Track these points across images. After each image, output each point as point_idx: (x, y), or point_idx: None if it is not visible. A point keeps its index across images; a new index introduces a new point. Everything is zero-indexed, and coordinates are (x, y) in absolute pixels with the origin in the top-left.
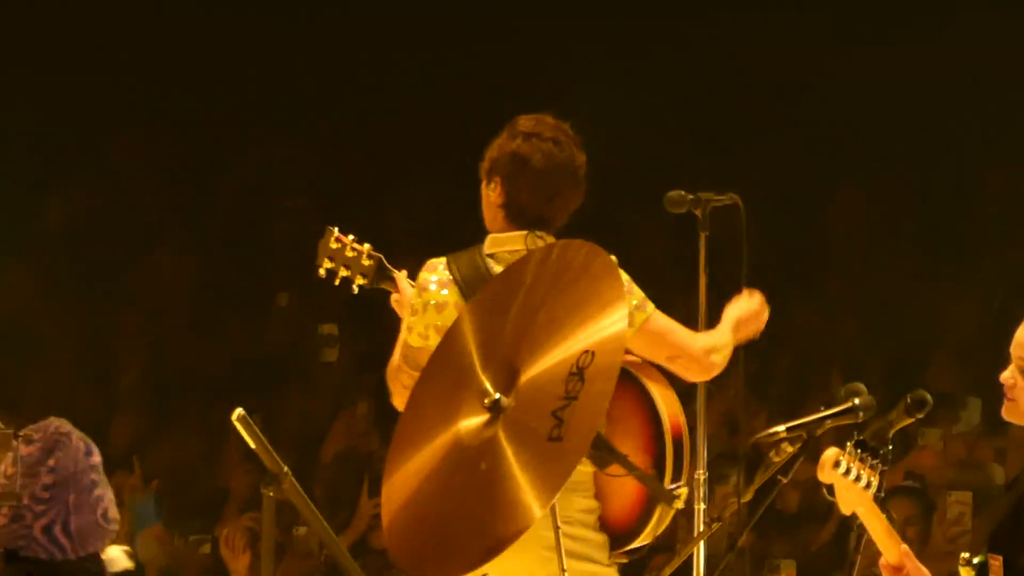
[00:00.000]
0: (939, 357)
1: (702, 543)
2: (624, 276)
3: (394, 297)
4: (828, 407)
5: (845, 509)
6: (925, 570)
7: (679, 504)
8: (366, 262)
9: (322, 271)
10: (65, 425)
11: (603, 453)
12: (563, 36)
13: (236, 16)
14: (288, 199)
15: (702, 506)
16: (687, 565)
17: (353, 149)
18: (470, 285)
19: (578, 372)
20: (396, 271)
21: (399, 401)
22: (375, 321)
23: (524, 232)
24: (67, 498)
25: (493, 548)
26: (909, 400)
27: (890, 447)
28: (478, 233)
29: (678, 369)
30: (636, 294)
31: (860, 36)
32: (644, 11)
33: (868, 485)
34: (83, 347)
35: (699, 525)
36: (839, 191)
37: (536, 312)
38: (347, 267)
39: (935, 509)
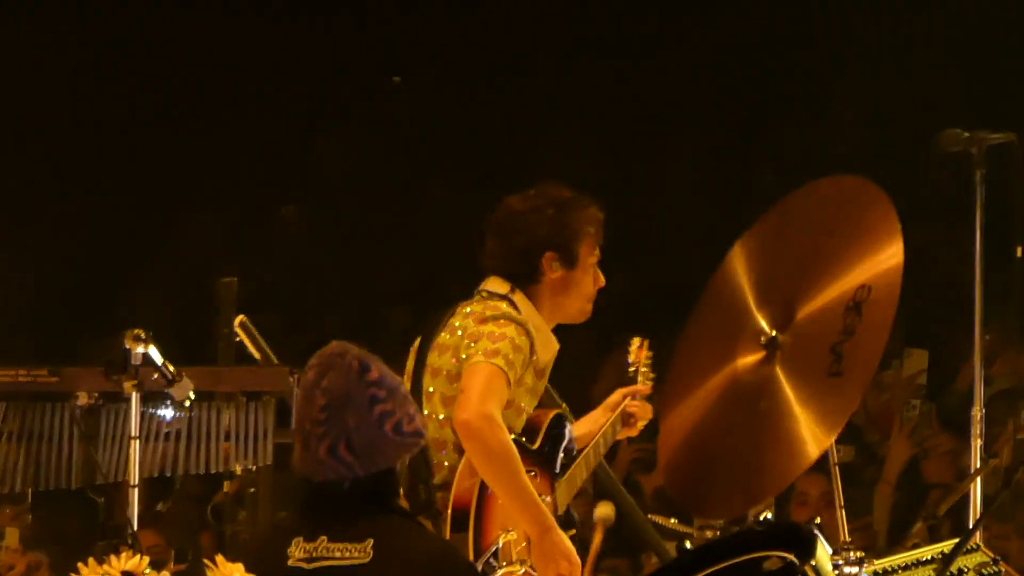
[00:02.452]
0: None
1: (979, 479)
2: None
3: None
4: None
5: None
6: None
7: None
8: None
9: None
10: (342, 346)
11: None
12: None
13: None
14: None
15: (979, 442)
16: (963, 501)
17: None
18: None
19: (855, 306)
20: None
21: None
22: None
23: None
24: (345, 417)
25: (775, 485)
26: None
27: None
28: None
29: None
30: (483, 344)
31: None
32: None
33: None
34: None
35: (976, 461)
36: None
37: (809, 249)
38: None
39: None
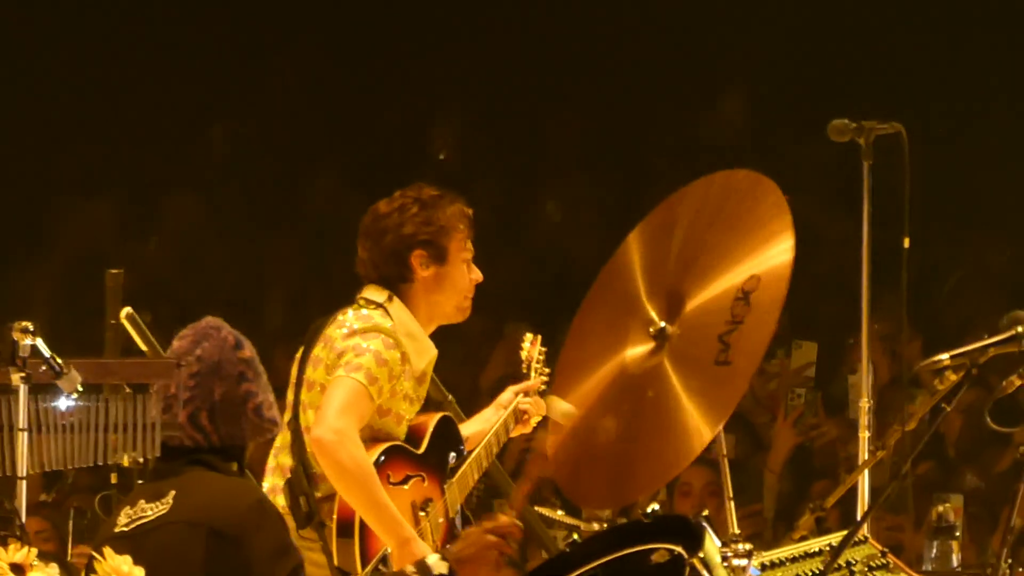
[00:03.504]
0: None
1: (866, 472)
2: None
3: None
4: (991, 335)
5: None
6: None
7: None
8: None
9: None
10: (218, 321)
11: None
12: None
13: None
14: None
15: (866, 435)
16: (851, 494)
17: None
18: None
19: (744, 296)
20: None
21: None
22: None
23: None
24: (212, 386)
25: (663, 474)
26: None
27: None
28: None
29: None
30: (347, 357)
31: None
32: None
33: None
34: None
35: (863, 454)
36: None
37: (701, 241)
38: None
39: None
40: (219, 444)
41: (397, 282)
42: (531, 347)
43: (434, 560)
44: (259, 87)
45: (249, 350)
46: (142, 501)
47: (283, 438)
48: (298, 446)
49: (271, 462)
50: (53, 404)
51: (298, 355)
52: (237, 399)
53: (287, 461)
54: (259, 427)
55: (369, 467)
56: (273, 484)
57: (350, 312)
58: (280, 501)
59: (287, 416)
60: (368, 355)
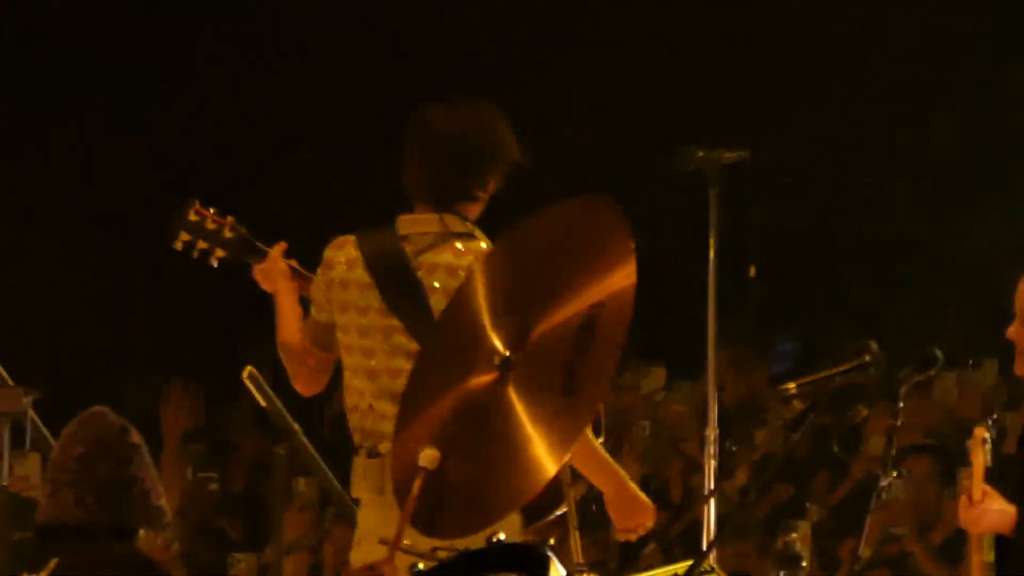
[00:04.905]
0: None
1: (712, 501)
2: None
3: (257, 268)
4: (837, 363)
5: (975, 485)
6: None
7: None
8: (228, 234)
9: (178, 244)
10: (104, 409)
11: None
12: None
13: None
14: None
15: (713, 463)
16: (697, 523)
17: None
18: (378, 265)
19: (589, 325)
20: (271, 246)
21: (302, 384)
22: None
23: (436, 215)
24: (98, 467)
25: (507, 505)
26: (918, 357)
27: (901, 404)
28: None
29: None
30: None
31: None
32: None
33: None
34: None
35: (709, 483)
36: None
37: (546, 268)
38: (206, 240)
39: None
40: (109, 527)
41: (459, 199)
42: None
43: None
44: None
45: (137, 437)
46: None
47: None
48: None
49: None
50: None
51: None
52: (123, 482)
53: None
54: (147, 514)
55: None
56: None
57: (458, 244)
58: None
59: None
60: None
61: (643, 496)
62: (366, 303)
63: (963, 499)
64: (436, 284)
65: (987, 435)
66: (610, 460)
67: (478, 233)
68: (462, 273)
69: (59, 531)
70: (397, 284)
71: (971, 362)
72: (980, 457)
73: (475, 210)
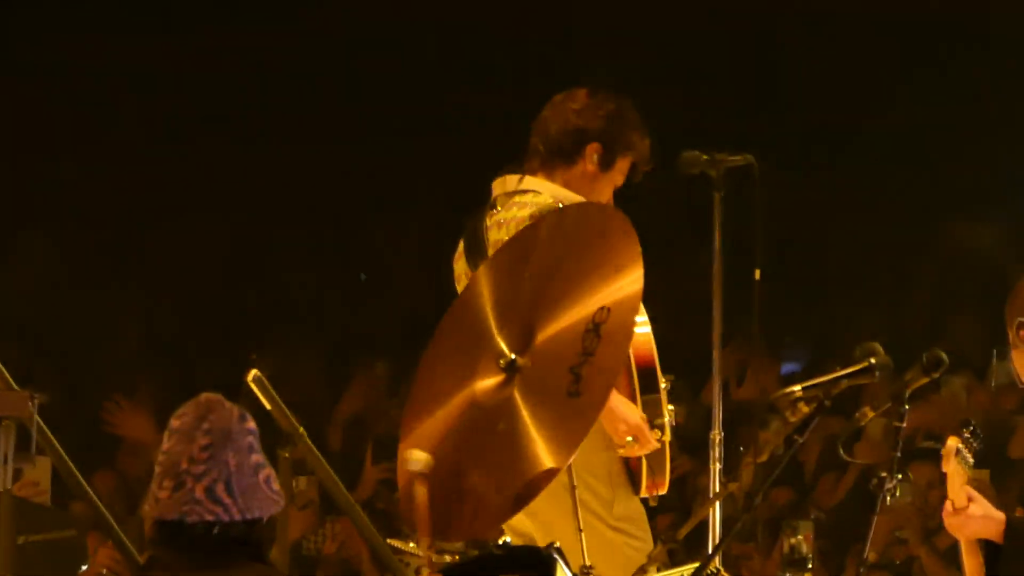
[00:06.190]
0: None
1: (718, 504)
2: None
3: None
4: (844, 367)
5: (952, 493)
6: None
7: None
8: None
9: None
10: (218, 396)
11: None
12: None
13: None
14: None
15: (718, 466)
16: (703, 526)
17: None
18: (466, 233)
19: (595, 328)
20: None
21: None
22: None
23: (516, 176)
24: (226, 457)
25: (512, 507)
26: (925, 359)
27: (906, 407)
28: None
29: None
30: None
31: None
32: None
33: (970, 464)
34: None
35: (715, 485)
36: None
37: (552, 273)
38: None
39: None
40: (239, 518)
41: (562, 162)
42: None
43: None
44: None
45: (252, 422)
46: None
47: None
48: None
49: None
50: None
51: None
52: (250, 469)
53: None
54: (270, 499)
55: None
56: None
57: (518, 199)
58: None
59: None
60: None
61: (624, 405)
62: (459, 271)
63: (947, 505)
64: (504, 238)
65: (960, 445)
66: None
67: (546, 187)
68: (520, 225)
69: (183, 527)
70: (470, 247)
71: (995, 354)
72: (953, 466)
73: (573, 176)
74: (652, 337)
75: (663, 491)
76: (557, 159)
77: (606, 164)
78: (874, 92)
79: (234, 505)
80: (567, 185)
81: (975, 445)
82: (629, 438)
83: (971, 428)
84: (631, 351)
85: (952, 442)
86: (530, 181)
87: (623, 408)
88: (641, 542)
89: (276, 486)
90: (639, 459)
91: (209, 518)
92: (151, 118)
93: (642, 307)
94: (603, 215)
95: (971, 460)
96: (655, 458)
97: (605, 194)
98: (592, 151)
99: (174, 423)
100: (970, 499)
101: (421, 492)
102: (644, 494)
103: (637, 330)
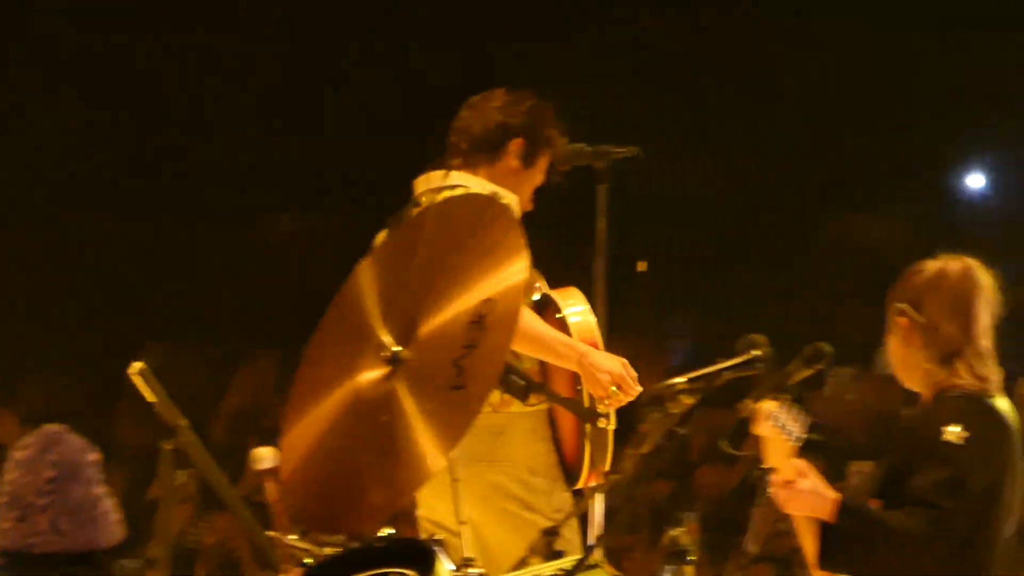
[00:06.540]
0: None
1: (599, 496)
2: None
3: None
4: (727, 358)
5: (771, 461)
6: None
7: (604, 423)
8: None
9: None
10: (62, 427)
11: (515, 382)
12: None
13: None
14: None
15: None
16: (584, 518)
17: None
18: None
19: (479, 321)
20: None
21: None
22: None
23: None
24: (71, 490)
25: (395, 499)
26: (806, 352)
27: (794, 398)
28: None
29: None
30: None
31: None
32: None
33: (793, 436)
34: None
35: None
36: None
37: (436, 265)
38: None
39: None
40: (79, 549)
41: (485, 159)
42: None
43: None
44: None
45: (95, 454)
46: None
47: None
48: None
49: None
50: None
51: None
52: (92, 501)
53: None
54: (110, 531)
55: None
56: None
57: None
58: None
59: None
60: None
61: (601, 356)
62: None
63: (774, 479)
64: None
65: (781, 413)
66: (567, 339)
67: (473, 181)
68: None
69: (27, 558)
70: None
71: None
72: (768, 430)
73: (496, 172)
74: (595, 324)
75: (601, 480)
76: (480, 156)
77: (528, 160)
78: (764, 80)
79: (74, 536)
80: (491, 181)
81: (799, 418)
82: (614, 387)
83: (791, 399)
84: (576, 338)
85: (765, 406)
86: (457, 176)
87: (600, 359)
88: (572, 534)
89: (114, 516)
90: (579, 452)
91: (55, 549)
92: None
93: (580, 295)
94: (486, 206)
95: (795, 432)
96: (597, 449)
97: (526, 192)
98: (515, 146)
99: (17, 454)
100: (801, 473)
101: (271, 488)
102: (581, 485)
103: (575, 319)
